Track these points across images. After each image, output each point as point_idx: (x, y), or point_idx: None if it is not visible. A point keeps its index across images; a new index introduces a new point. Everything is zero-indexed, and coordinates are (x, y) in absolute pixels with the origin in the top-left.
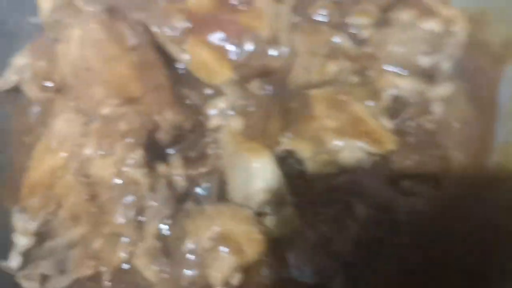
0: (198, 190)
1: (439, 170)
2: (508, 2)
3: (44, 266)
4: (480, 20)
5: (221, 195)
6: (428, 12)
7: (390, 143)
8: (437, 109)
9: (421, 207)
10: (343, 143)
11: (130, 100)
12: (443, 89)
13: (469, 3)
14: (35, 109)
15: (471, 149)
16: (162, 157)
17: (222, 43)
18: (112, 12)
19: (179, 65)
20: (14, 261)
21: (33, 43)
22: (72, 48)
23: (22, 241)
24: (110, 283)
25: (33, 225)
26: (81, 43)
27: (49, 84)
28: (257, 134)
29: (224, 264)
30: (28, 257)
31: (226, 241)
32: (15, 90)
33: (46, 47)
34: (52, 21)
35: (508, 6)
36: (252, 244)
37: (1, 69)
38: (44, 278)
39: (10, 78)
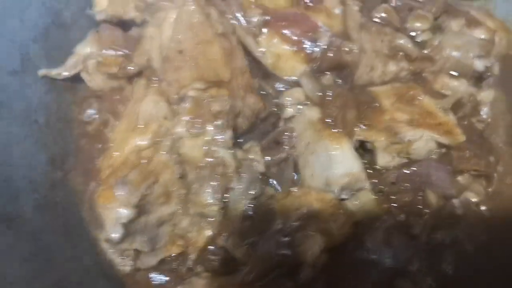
0: (273, 176)
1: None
2: None
3: (140, 242)
4: None
5: (295, 182)
6: (474, 22)
7: (460, 135)
8: (486, 111)
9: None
10: (418, 134)
11: (218, 84)
12: (488, 94)
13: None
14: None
15: None
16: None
17: (297, 38)
18: None
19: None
20: (116, 233)
21: (97, 33)
22: (166, 30)
23: (125, 213)
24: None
25: (135, 198)
26: (177, 25)
27: (130, 68)
28: (336, 123)
29: (314, 243)
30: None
31: (315, 221)
32: (75, 79)
33: (113, 36)
34: (144, 5)
35: None
36: (339, 226)
37: (58, 58)
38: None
39: (73, 66)
